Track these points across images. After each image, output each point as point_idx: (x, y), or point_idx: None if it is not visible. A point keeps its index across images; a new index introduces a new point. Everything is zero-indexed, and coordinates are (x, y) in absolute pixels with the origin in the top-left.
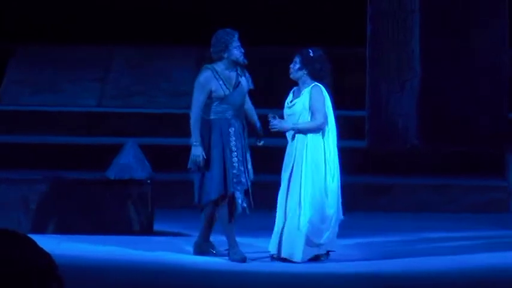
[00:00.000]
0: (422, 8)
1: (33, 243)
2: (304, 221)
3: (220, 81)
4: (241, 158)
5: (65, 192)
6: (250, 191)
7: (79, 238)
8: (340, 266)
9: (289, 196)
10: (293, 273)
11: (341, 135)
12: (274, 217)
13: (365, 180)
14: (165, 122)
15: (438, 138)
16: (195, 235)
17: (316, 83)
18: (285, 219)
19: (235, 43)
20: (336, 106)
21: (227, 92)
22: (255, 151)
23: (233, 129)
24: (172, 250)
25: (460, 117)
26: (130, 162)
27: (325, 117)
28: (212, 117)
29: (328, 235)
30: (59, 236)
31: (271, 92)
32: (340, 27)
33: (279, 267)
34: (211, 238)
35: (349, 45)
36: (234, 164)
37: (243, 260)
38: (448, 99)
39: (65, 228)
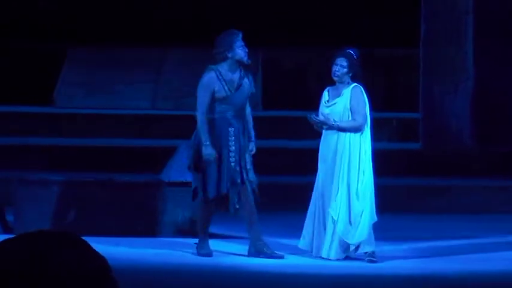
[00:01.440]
0: (476, 8)
1: (88, 246)
2: (337, 220)
3: (223, 82)
4: (238, 158)
5: (119, 194)
6: (251, 189)
7: (133, 241)
8: (393, 268)
9: (323, 195)
10: (336, 274)
11: (395, 137)
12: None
13: (419, 182)
14: None
15: (492, 139)
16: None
17: (356, 83)
18: (320, 218)
19: (239, 43)
20: (389, 108)
21: (229, 93)
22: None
23: (233, 129)
24: (226, 252)
25: None
26: (184, 164)
27: (365, 119)
28: (213, 116)
29: (359, 236)
30: (113, 238)
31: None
32: (393, 28)
33: (320, 267)
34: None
35: (402, 47)
36: (231, 164)
37: (209, 255)
38: (501, 100)
39: (120, 230)
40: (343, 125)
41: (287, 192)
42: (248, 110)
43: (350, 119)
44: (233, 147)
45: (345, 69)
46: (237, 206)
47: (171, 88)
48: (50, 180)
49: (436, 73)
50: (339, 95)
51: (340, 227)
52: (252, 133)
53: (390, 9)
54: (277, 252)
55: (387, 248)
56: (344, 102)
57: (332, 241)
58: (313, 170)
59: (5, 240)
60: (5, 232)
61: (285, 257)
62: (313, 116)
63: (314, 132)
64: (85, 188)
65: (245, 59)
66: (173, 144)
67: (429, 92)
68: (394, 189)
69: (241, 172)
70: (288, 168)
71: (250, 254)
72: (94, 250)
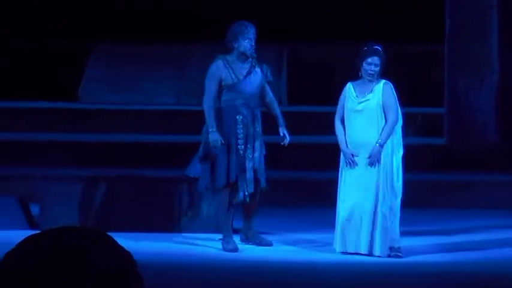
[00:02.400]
0: (501, 3)
1: (114, 241)
2: (382, 216)
3: (230, 70)
4: (248, 146)
5: (143, 190)
6: (254, 178)
7: (158, 236)
8: (418, 263)
9: (363, 192)
10: (361, 269)
11: (419, 132)
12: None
13: (444, 178)
14: None
15: None
16: (277, 233)
17: (385, 79)
18: (358, 214)
19: (247, 35)
20: (414, 103)
21: (235, 81)
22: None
23: (241, 117)
24: (250, 247)
25: None
26: None
27: (397, 115)
28: (221, 105)
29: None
30: (138, 234)
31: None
32: (418, 24)
33: (344, 262)
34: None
35: (427, 43)
36: (240, 152)
37: (235, 250)
38: None
39: (144, 226)
40: (384, 139)
41: (311, 188)
42: (270, 97)
43: (382, 115)
44: (241, 135)
45: (378, 67)
46: (247, 193)
47: (196, 84)
48: (75, 176)
49: (461, 68)
50: (369, 91)
51: (387, 222)
52: (280, 119)
53: (415, 5)
54: (267, 239)
55: (412, 243)
56: (377, 99)
57: (380, 237)
58: (338, 166)
59: (30, 237)
60: (31, 228)
61: (273, 244)
62: (368, 161)
63: None
64: (110, 184)
65: (249, 51)
66: (198, 140)
67: (454, 87)
68: (418, 184)
69: (252, 160)
70: (312, 163)
71: (242, 241)
72: (119, 245)
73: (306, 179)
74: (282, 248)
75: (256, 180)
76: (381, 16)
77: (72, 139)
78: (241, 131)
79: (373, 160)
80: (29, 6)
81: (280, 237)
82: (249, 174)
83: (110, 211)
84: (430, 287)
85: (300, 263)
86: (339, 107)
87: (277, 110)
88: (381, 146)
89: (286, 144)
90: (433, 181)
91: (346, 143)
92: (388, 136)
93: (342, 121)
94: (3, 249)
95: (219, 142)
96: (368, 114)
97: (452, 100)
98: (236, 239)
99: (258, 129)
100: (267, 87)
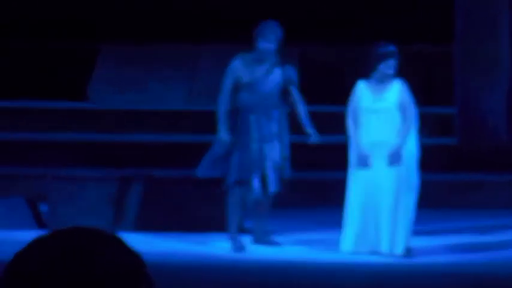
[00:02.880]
0: (511, 3)
1: (122, 242)
2: (403, 214)
3: (247, 69)
4: (262, 146)
5: (153, 190)
6: (267, 176)
7: (167, 236)
8: (430, 263)
9: (379, 191)
10: (371, 269)
11: (430, 132)
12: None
13: (456, 177)
14: None
15: None
16: (286, 233)
17: (398, 78)
18: (374, 214)
19: (267, 36)
20: (424, 103)
21: (251, 80)
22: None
23: (254, 116)
24: (261, 248)
25: None
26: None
27: (414, 114)
28: (237, 104)
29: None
30: (147, 234)
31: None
32: (429, 24)
33: (354, 263)
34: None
35: (438, 43)
36: (253, 151)
37: (242, 249)
38: None
39: (155, 226)
40: (405, 137)
41: (322, 187)
42: (294, 97)
43: (398, 114)
44: (256, 134)
45: (395, 68)
46: (257, 192)
47: (205, 84)
48: (84, 176)
49: (472, 68)
50: (386, 91)
51: (408, 220)
52: (304, 118)
53: (426, 5)
54: (276, 240)
55: (422, 243)
56: (395, 98)
57: (402, 235)
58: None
59: (38, 238)
60: (40, 228)
61: (282, 244)
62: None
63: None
64: (118, 184)
65: (267, 52)
66: (206, 140)
67: (465, 87)
68: (429, 184)
69: (266, 160)
70: (326, 163)
71: (254, 242)
72: (128, 246)
73: (314, 180)
74: (291, 249)
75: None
76: (391, 16)
77: (82, 139)
78: (255, 130)
79: (394, 159)
80: (40, 6)
81: (290, 237)
82: (270, 175)
83: (120, 211)
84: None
85: (308, 263)
86: (351, 107)
87: (301, 109)
88: (402, 145)
89: (315, 143)
90: (444, 181)
91: (359, 143)
92: (407, 135)
93: (355, 121)
94: (12, 249)
95: (225, 140)
96: (385, 114)
97: (462, 100)
98: (247, 239)
99: (275, 129)
100: (292, 88)
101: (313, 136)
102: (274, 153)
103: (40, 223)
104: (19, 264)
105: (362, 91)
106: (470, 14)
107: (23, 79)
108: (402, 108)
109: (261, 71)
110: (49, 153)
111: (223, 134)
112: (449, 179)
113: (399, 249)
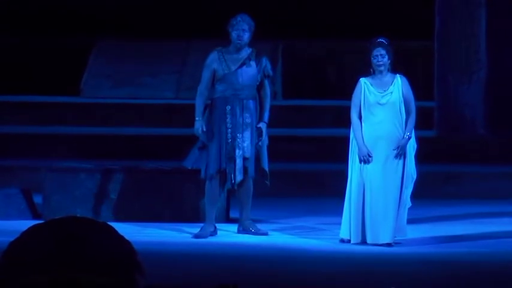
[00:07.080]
0: (488, 1)
1: (115, 231)
2: (403, 205)
3: (223, 61)
4: (235, 135)
5: (144, 181)
6: (241, 167)
7: (157, 226)
8: (407, 253)
9: (384, 184)
10: (357, 258)
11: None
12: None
13: (434, 169)
14: None
15: (504, 127)
16: (274, 222)
17: (398, 74)
18: (378, 205)
19: (236, 27)
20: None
21: (226, 71)
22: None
23: (229, 107)
24: (250, 237)
25: None
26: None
27: (414, 107)
28: (214, 96)
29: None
30: (138, 224)
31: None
32: (409, 20)
33: (340, 250)
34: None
35: (418, 38)
36: (228, 141)
37: (201, 237)
38: None
39: (145, 216)
40: (411, 130)
41: (306, 179)
42: (264, 91)
43: (402, 108)
44: (230, 124)
45: (385, 58)
46: (233, 181)
47: (195, 79)
48: (78, 168)
49: (450, 64)
50: (390, 84)
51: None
52: (264, 114)
53: (407, 1)
54: (262, 229)
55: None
56: (399, 91)
57: (401, 224)
58: (333, 157)
59: (33, 226)
60: (34, 218)
61: (269, 233)
62: (396, 154)
63: (333, 120)
64: (111, 176)
65: (236, 41)
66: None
67: (444, 82)
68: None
69: (240, 149)
70: (306, 155)
71: (239, 232)
72: (120, 235)
73: (298, 171)
74: (277, 237)
75: (244, 169)
76: (372, 11)
77: (75, 132)
78: (230, 121)
79: (401, 152)
80: (34, 1)
81: (276, 226)
82: (238, 163)
83: (112, 202)
84: (420, 276)
85: (295, 251)
86: (354, 103)
87: (265, 104)
88: (409, 138)
89: (260, 143)
90: (423, 172)
91: (362, 138)
92: (413, 127)
93: (359, 117)
94: (8, 238)
95: (200, 131)
96: (391, 107)
97: (442, 94)
98: (234, 228)
99: (248, 119)
100: (265, 81)
101: (261, 135)
102: (246, 143)
103: (35, 213)
104: (15, 253)
105: (366, 86)
106: (449, 10)
107: (16, 74)
108: (406, 102)
109: (237, 63)
110: (44, 146)
111: (198, 125)
112: (428, 170)
113: (387, 238)
